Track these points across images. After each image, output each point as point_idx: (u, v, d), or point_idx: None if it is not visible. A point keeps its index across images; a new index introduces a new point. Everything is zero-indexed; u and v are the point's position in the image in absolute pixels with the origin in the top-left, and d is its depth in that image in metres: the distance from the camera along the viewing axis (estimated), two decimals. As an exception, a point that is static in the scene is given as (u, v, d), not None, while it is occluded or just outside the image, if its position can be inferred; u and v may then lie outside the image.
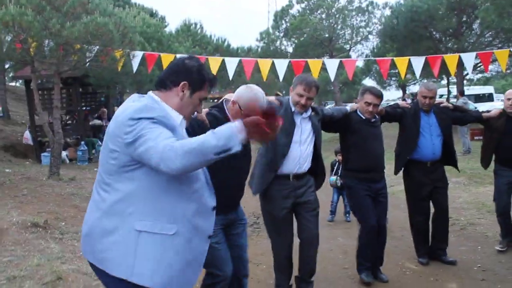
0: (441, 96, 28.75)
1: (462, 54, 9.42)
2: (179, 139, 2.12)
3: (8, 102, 22.05)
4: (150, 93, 2.36)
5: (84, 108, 18.77)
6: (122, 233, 2.16)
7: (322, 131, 4.50)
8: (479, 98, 24.96)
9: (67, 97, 17.03)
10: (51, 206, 7.42)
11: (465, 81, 25.96)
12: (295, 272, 4.44)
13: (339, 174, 7.32)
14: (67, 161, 14.64)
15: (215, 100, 22.55)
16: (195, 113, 2.72)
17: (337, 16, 28.11)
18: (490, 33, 22.25)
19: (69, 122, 18.20)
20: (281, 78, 10.43)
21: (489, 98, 25.20)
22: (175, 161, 1.98)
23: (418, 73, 9.09)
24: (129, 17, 10.08)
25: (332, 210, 7.74)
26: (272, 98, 4.11)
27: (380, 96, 4.76)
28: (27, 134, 16.02)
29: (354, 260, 4.96)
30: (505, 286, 4.56)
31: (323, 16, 28.41)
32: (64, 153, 14.18)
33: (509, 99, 5.35)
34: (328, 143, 12.60)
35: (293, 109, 4.12)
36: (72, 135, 16.94)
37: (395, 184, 9.12)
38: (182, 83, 2.30)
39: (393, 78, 35.69)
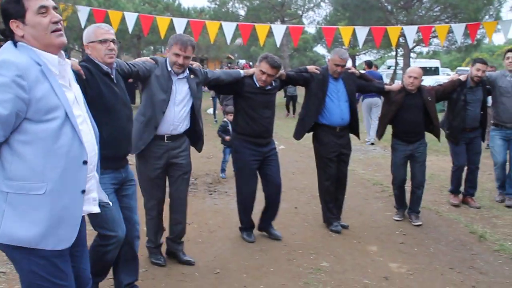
0: (389, 67, 29.32)
1: (404, 27, 9.68)
2: (44, 93, 2.07)
3: None
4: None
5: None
6: None
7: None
8: (425, 71, 25.09)
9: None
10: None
11: (412, 54, 26.50)
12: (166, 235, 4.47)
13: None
14: None
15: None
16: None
17: (289, -20, 27.84)
18: (439, 7, 22.62)
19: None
20: (228, 41, 10.41)
21: (435, 71, 25.50)
22: None
23: (361, 43, 9.27)
24: (73, -30, 9.67)
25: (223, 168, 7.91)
26: (146, 58, 4.01)
27: (276, 67, 4.70)
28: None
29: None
30: (421, 249, 4.84)
31: (276, -21, 28.08)
32: None
33: (410, 76, 5.38)
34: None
35: (169, 69, 4.00)
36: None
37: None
38: (11, 22, 2.13)
39: (343, 47, 35.93)
